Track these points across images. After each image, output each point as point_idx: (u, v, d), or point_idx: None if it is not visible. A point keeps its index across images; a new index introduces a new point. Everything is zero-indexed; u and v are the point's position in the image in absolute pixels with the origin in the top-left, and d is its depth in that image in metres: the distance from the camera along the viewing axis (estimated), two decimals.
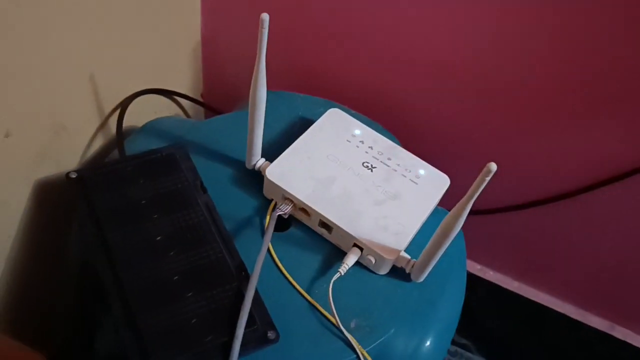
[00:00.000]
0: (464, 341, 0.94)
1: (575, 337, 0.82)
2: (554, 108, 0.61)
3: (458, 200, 0.40)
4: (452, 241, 0.44)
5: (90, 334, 0.49)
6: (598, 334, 0.80)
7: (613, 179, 0.64)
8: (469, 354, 0.94)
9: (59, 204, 0.56)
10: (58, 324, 0.61)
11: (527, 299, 0.81)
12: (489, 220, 0.75)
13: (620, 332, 0.79)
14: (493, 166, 0.35)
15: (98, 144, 0.61)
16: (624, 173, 0.63)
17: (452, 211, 0.41)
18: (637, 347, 0.79)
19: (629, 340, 0.79)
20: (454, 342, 0.94)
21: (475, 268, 0.83)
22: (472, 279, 0.81)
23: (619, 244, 0.70)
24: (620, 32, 0.53)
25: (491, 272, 0.83)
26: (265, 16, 0.40)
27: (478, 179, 0.37)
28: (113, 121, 0.61)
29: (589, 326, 0.80)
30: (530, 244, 0.76)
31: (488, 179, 0.36)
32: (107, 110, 0.60)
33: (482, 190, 0.37)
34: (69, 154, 0.57)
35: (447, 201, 0.51)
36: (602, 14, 0.52)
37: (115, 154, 0.58)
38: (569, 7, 0.53)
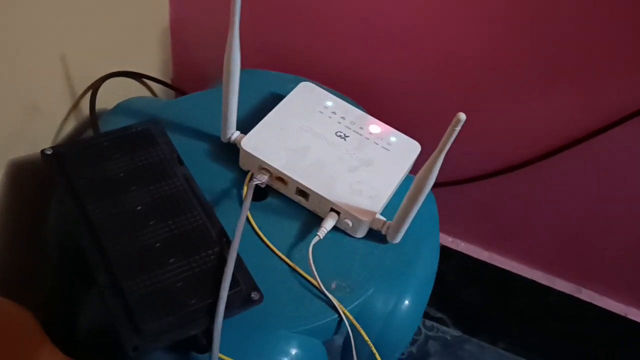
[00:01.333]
0: (439, 315, 0.97)
1: (544, 302, 0.85)
2: (514, 77, 0.64)
3: None
4: (425, 204, 0.46)
5: (74, 311, 0.49)
6: (565, 298, 0.83)
7: (572, 143, 0.66)
8: (444, 328, 0.97)
9: (35, 183, 0.56)
10: (41, 306, 0.60)
11: (497, 267, 0.84)
12: (457, 191, 0.77)
13: (587, 295, 0.83)
14: (462, 116, 0.37)
15: (71, 125, 0.61)
16: (581, 137, 0.65)
17: (424, 166, 0.43)
18: (602, 308, 0.82)
19: (595, 302, 0.82)
20: (429, 317, 0.96)
21: (447, 240, 0.85)
22: (444, 251, 0.83)
23: (581, 207, 0.73)
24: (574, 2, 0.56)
25: (462, 244, 0.85)
26: None
27: (448, 129, 0.38)
28: (85, 103, 0.61)
29: (557, 290, 0.83)
30: (498, 213, 0.79)
31: (458, 128, 0.38)
32: (79, 91, 0.60)
33: (450, 160, 0.39)
34: (43, 135, 0.57)
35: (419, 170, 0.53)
36: None
37: (89, 133, 0.58)
38: None
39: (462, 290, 0.91)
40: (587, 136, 0.65)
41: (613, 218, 0.73)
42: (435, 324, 0.97)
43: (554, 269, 0.83)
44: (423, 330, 0.96)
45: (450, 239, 0.85)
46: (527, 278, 0.83)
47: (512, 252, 0.83)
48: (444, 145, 0.40)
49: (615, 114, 0.62)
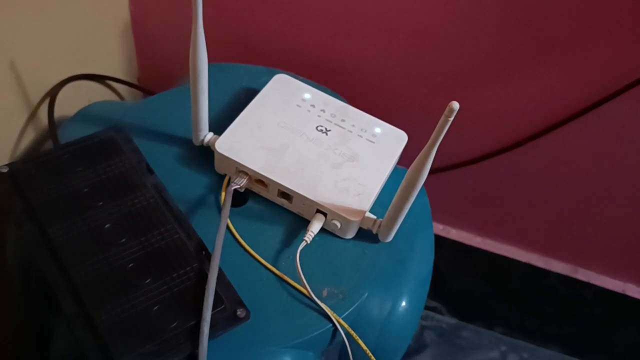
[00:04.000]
0: (434, 304, 0.94)
1: (541, 284, 0.83)
2: (498, 56, 0.61)
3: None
4: (416, 197, 0.43)
5: (44, 342, 0.45)
6: (562, 279, 0.81)
7: (562, 122, 0.64)
8: (439, 317, 0.95)
9: None
10: (8, 338, 0.56)
11: (491, 252, 0.82)
12: (446, 177, 0.75)
13: (583, 274, 0.81)
14: (455, 105, 0.34)
15: (29, 137, 0.56)
16: (571, 115, 0.63)
17: (416, 159, 0.39)
18: (599, 287, 0.81)
19: (592, 281, 0.81)
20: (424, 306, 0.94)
21: (439, 228, 0.82)
22: (436, 240, 0.81)
23: (573, 186, 0.71)
24: None
25: (454, 231, 0.83)
26: None
27: (441, 120, 0.35)
28: (43, 112, 0.56)
29: (553, 272, 0.81)
30: (489, 197, 0.76)
31: (451, 119, 0.34)
32: (35, 100, 0.56)
33: (439, 144, 0.36)
34: None
35: (406, 160, 0.50)
36: None
37: (49, 145, 0.54)
38: None
39: (455, 278, 0.89)
40: (576, 114, 0.63)
41: (607, 195, 0.71)
42: (430, 312, 0.95)
43: (549, 251, 0.81)
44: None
45: (441, 226, 0.83)
46: (521, 261, 0.81)
47: (506, 236, 0.81)
48: (437, 137, 0.36)
49: (604, 89, 0.60)
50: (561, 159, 0.68)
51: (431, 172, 0.39)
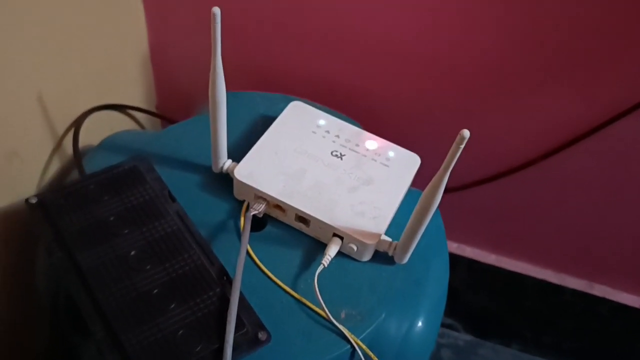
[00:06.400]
0: (449, 321, 0.95)
1: (557, 301, 0.83)
2: (509, 77, 0.62)
3: (430, 179, 0.40)
4: (430, 219, 0.44)
5: None
6: (578, 295, 0.81)
7: (573, 140, 0.65)
8: (455, 334, 0.95)
9: (22, 234, 0.53)
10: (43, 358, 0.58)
11: (506, 270, 0.82)
12: (460, 197, 0.75)
13: (599, 290, 0.81)
14: (466, 133, 0.35)
15: (55, 167, 0.58)
16: (582, 133, 0.64)
17: (429, 184, 0.41)
18: (615, 302, 0.81)
19: (607, 297, 0.81)
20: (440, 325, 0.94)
21: (453, 246, 0.83)
22: (450, 257, 0.81)
23: (587, 203, 0.72)
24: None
25: (468, 249, 0.83)
26: (217, 10, 0.39)
27: (452, 147, 0.36)
28: (68, 142, 0.59)
29: (569, 288, 0.81)
30: (503, 215, 0.77)
31: (462, 146, 0.36)
32: (61, 130, 0.58)
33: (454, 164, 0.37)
34: (25, 181, 0.54)
35: (419, 182, 0.51)
36: None
37: (74, 175, 0.56)
38: None
39: (471, 295, 0.89)
40: (588, 132, 0.63)
41: (620, 210, 0.71)
42: (446, 330, 0.95)
43: (564, 267, 0.81)
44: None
45: (455, 245, 0.83)
46: (536, 278, 0.82)
47: (520, 253, 0.82)
48: (449, 163, 0.38)
49: (614, 107, 0.61)
50: (573, 176, 0.69)
51: (445, 191, 0.41)
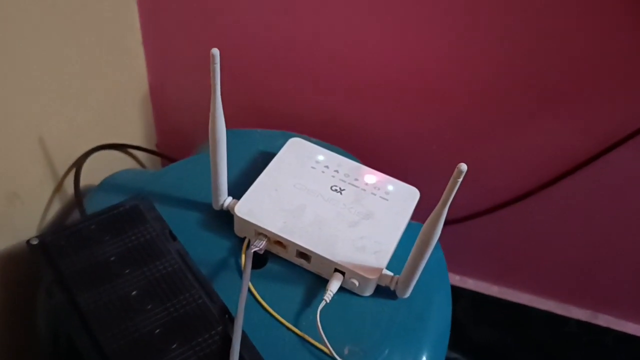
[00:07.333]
0: (454, 355, 0.93)
1: (561, 332, 0.82)
2: (505, 110, 0.63)
3: (429, 212, 0.40)
4: (431, 253, 0.44)
5: None
6: (582, 325, 0.81)
7: (571, 170, 0.65)
8: None
9: (22, 275, 0.53)
10: None
11: (509, 301, 0.82)
12: (460, 229, 0.75)
13: (603, 320, 0.81)
14: (463, 167, 0.35)
15: (56, 207, 0.58)
16: (579, 163, 0.64)
17: (429, 219, 0.41)
18: (620, 332, 0.80)
19: (612, 326, 0.80)
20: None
21: (455, 279, 0.83)
22: (453, 290, 0.81)
23: (588, 232, 0.72)
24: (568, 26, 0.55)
25: (471, 281, 0.83)
26: (216, 51, 0.40)
27: (450, 182, 0.37)
28: (69, 182, 0.59)
29: (573, 319, 0.81)
30: (504, 246, 0.77)
31: (460, 180, 0.36)
32: (61, 171, 0.58)
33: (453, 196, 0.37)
34: (25, 222, 0.54)
35: (419, 215, 0.51)
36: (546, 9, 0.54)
37: (75, 215, 0.56)
38: (511, 7, 0.55)
39: (475, 328, 0.88)
40: (585, 162, 0.64)
41: (621, 239, 0.71)
42: None
43: (568, 297, 0.80)
44: None
45: (457, 277, 0.83)
46: (540, 309, 0.81)
47: (523, 285, 0.81)
48: (447, 197, 0.38)
49: (610, 137, 0.61)
50: (573, 205, 0.69)
51: (445, 223, 0.41)
